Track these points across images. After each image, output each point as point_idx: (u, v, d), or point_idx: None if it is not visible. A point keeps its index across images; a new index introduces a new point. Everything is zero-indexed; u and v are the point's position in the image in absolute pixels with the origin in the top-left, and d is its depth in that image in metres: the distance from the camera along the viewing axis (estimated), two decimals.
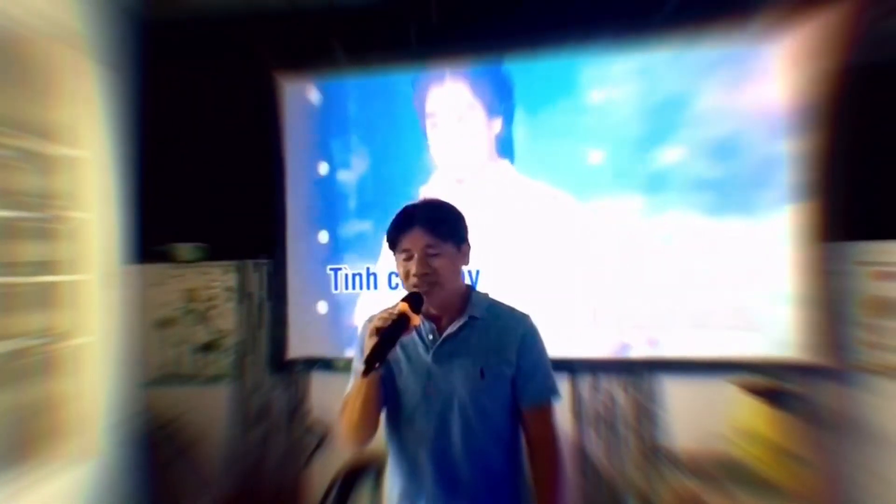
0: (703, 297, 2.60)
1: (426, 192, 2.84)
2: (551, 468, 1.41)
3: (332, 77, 2.99)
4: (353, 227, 2.94)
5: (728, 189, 2.58)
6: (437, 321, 1.42)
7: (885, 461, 2.33)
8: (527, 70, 2.79)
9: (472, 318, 1.41)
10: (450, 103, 2.85)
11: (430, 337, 1.41)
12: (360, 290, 2.92)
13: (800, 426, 2.42)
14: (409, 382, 1.41)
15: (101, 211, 2.20)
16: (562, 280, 2.72)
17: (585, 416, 2.73)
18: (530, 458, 1.42)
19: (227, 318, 3.07)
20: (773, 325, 2.52)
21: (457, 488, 1.37)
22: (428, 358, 1.40)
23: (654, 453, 2.66)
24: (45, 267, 2.03)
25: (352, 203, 2.95)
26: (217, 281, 3.08)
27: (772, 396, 2.42)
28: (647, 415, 2.68)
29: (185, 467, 2.87)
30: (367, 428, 1.38)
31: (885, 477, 2.33)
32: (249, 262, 3.08)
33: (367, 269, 2.91)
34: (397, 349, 1.38)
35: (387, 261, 2.78)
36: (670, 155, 2.63)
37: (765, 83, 2.54)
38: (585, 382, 2.74)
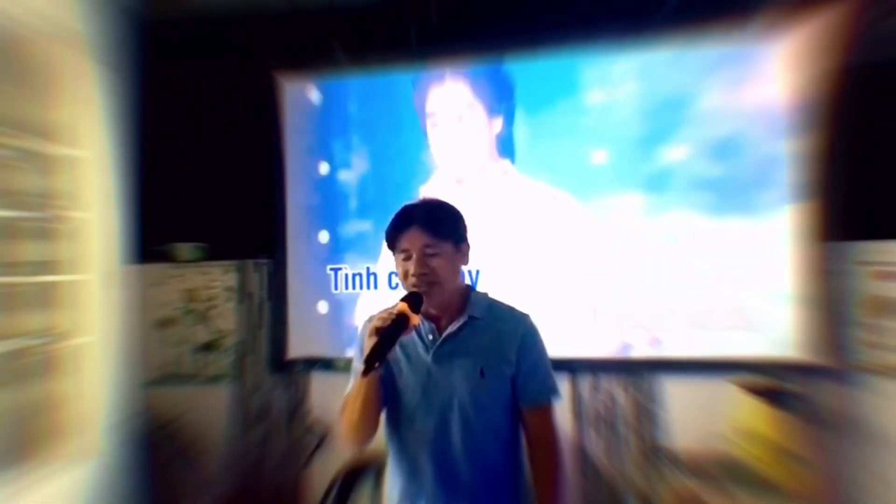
0: (704, 297, 2.60)
1: (426, 191, 2.84)
2: (551, 467, 1.41)
3: (333, 77, 2.99)
4: (354, 226, 2.94)
5: (728, 189, 2.57)
6: (436, 321, 1.42)
7: (886, 461, 2.33)
8: (527, 70, 2.79)
9: (471, 317, 1.41)
10: (450, 103, 2.85)
11: (430, 337, 1.41)
12: (361, 290, 2.92)
13: (800, 426, 2.42)
14: (409, 382, 1.41)
15: (102, 211, 2.20)
16: (562, 280, 2.72)
17: (585, 415, 2.73)
18: (530, 457, 1.42)
19: (227, 318, 3.07)
20: (773, 324, 2.52)
21: (457, 488, 1.37)
22: (428, 358, 1.40)
23: (655, 453, 2.66)
24: (45, 267, 2.03)
25: (352, 203, 2.95)
26: (217, 281, 3.08)
27: (772, 396, 2.42)
28: (647, 414, 2.68)
29: (185, 467, 2.87)
30: (367, 428, 1.38)
31: (885, 477, 2.33)
32: (249, 262, 3.08)
33: (367, 268, 2.91)
34: (397, 349, 1.38)
35: (387, 261, 2.78)
36: (671, 155, 2.63)
37: (765, 83, 2.54)
38: (585, 382, 2.74)
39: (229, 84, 2.99)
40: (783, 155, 2.52)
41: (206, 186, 2.96)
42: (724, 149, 2.57)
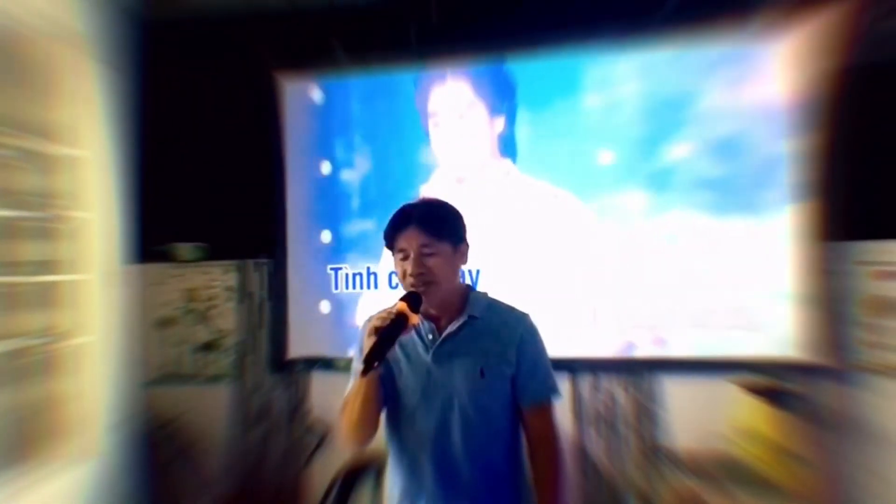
0: (704, 297, 2.60)
1: (428, 190, 2.84)
2: (552, 467, 1.40)
3: (333, 77, 2.99)
4: (356, 226, 2.94)
5: (728, 188, 2.57)
6: (436, 321, 1.42)
7: (886, 461, 2.33)
8: (529, 69, 2.79)
9: (471, 317, 1.41)
10: (451, 102, 2.85)
11: (430, 337, 1.41)
12: (361, 290, 2.92)
13: (800, 426, 2.42)
14: (409, 382, 1.41)
15: (102, 210, 2.20)
16: (563, 279, 2.72)
17: (586, 415, 2.73)
18: (531, 457, 1.42)
19: (227, 318, 3.07)
20: (773, 324, 2.52)
21: (457, 487, 1.37)
22: (428, 358, 1.40)
23: (655, 453, 2.66)
24: (45, 266, 2.03)
25: (354, 202, 2.95)
26: (217, 281, 3.08)
27: (772, 396, 2.42)
28: (647, 414, 2.68)
29: (185, 467, 2.87)
30: (367, 428, 1.38)
31: (885, 476, 2.33)
32: (250, 262, 3.08)
33: (368, 268, 2.91)
34: (397, 349, 1.38)
35: (388, 260, 2.78)
36: (672, 154, 2.63)
37: (765, 83, 2.54)
38: (586, 382, 2.74)
39: (229, 84, 2.99)
40: (783, 155, 2.52)
41: (207, 186, 2.96)
42: (725, 148, 2.57)
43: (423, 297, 1.34)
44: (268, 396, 3.03)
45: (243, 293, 3.07)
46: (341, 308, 2.95)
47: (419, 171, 2.87)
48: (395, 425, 1.43)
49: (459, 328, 1.40)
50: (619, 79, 2.67)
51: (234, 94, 2.99)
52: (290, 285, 3.01)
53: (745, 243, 2.56)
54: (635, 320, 2.66)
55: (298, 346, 3.00)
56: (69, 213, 2.11)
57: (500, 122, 2.80)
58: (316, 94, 3.00)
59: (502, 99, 2.80)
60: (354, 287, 2.92)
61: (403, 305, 1.29)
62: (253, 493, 2.96)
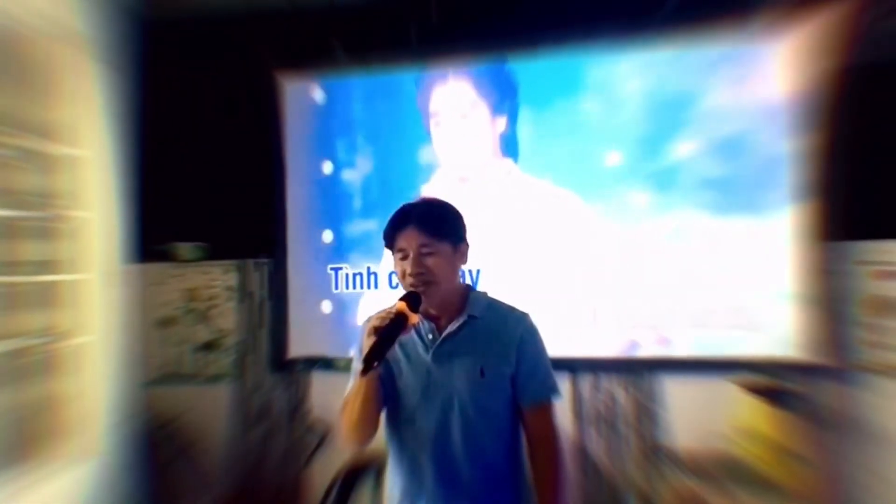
0: (704, 297, 2.60)
1: (430, 190, 2.84)
2: (552, 467, 1.40)
3: (334, 76, 2.99)
4: (357, 226, 2.94)
5: (729, 188, 2.57)
6: (436, 321, 1.42)
7: (886, 460, 2.33)
8: (531, 69, 2.79)
9: (471, 317, 1.41)
10: (453, 101, 2.85)
11: (430, 336, 1.41)
12: (362, 290, 2.92)
13: (801, 425, 2.42)
14: (409, 382, 1.41)
15: (102, 210, 2.20)
16: (565, 279, 2.72)
17: (586, 415, 2.73)
18: (531, 456, 1.42)
19: (227, 318, 3.07)
20: (773, 324, 2.52)
21: (457, 487, 1.37)
22: (428, 357, 1.40)
23: (655, 452, 2.66)
24: (45, 266, 2.03)
25: (355, 202, 2.95)
26: (218, 280, 3.08)
27: (772, 396, 2.42)
28: (647, 414, 2.68)
29: (185, 467, 2.87)
30: (367, 427, 1.38)
31: (885, 476, 2.33)
32: (250, 262, 3.08)
33: (368, 268, 2.91)
34: (397, 349, 1.38)
35: (390, 260, 2.78)
36: (673, 154, 2.63)
37: (765, 83, 2.54)
38: (586, 381, 2.74)
39: (229, 84, 2.99)
40: (784, 154, 2.52)
41: (207, 186, 2.95)
42: (725, 148, 2.57)
43: (423, 297, 1.34)
44: (268, 396, 3.03)
45: (243, 293, 3.07)
46: (342, 308, 2.95)
47: (421, 171, 2.87)
48: (395, 425, 1.43)
49: (459, 328, 1.40)
50: (619, 78, 2.67)
51: (234, 94, 2.99)
52: (290, 285, 3.01)
53: (746, 243, 2.56)
54: (635, 320, 2.66)
55: (299, 345, 3.00)
56: (69, 213, 2.11)
57: (501, 122, 2.80)
58: (317, 94, 3.00)
59: (504, 98, 2.80)
60: (355, 287, 2.92)
61: (403, 305, 1.29)
62: (253, 493, 2.96)
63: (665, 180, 2.64)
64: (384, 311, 1.31)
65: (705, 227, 2.59)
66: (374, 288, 2.90)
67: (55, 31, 2.01)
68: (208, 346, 3.06)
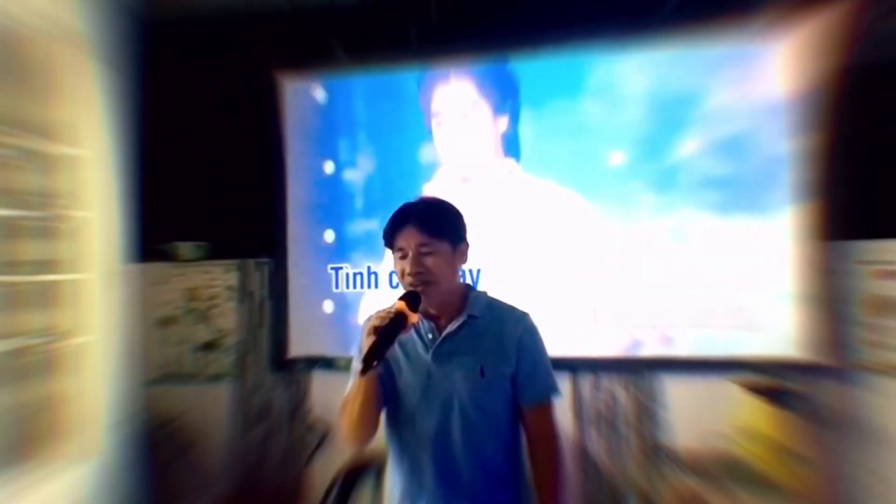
0: (704, 296, 2.59)
1: (431, 190, 2.84)
2: (552, 466, 1.40)
3: (334, 76, 2.99)
4: (359, 226, 2.94)
5: (730, 188, 2.57)
6: (436, 320, 1.42)
7: (887, 460, 2.33)
8: (532, 68, 2.78)
9: (471, 316, 1.41)
10: (455, 101, 2.85)
11: (430, 336, 1.41)
12: (362, 289, 2.92)
13: (801, 425, 2.41)
14: (409, 382, 1.41)
15: (103, 210, 2.20)
16: (566, 278, 2.71)
17: (586, 414, 2.73)
18: (531, 456, 1.42)
19: (228, 317, 3.07)
20: (774, 323, 2.52)
21: (457, 487, 1.37)
22: (428, 357, 1.40)
23: (655, 452, 2.66)
24: (46, 266, 2.03)
25: (357, 202, 2.95)
26: (218, 280, 3.08)
27: (773, 395, 2.42)
28: (648, 413, 2.68)
29: (186, 467, 2.87)
30: (367, 427, 1.38)
31: (886, 476, 2.33)
32: (250, 261, 3.08)
33: (368, 268, 2.91)
34: (396, 348, 1.38)
35: (391, 260, 2.78)
36: (674, 153, 2.63)
37: (766, 82, 2.54)
38: (586, 381, 2.74)
39: (229, 84, 2.99)
40: (784, 154, 2.52)
41: (207, 185, 2.96)
42: (726, 148, 2.57)
43: (422, 297, 1.34)
44: (268, 396, 3.03)
45: (244, 292, 3.07)
46: (342, 307, 2.95)
47: (423, 171, 2.87)
48: (395, 425, 1.43)
49: (459, 328, 1.40)
50: (621, 78, 2.67)
51: (235, 94, 2.99)
52: (291, 284, 3.01)
53: (746, 243, 2.55)
54: (636, 319, 2.65)
55: (299, 345, 3.00)
56: (70, 213, 2.11)
57: (503, 122, 2.80)
58: (319, 94, 3.00)
59: (506, 98, 2.80)
60: (355, 286, 2.92)
61: (402, 305, 1.29)
62: (253, 493, 2.96)
63: (665, 180, 2.63)
64: (384, 310, 1.31)
65: (705, 227, 2.59)
66: (374, 287, 2.90)
67: (55, 31, 2.01)
68: (208, 346, 3.07)
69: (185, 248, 3.07)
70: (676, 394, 2.64)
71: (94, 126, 2.18)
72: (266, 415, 3.03)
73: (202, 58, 2.99)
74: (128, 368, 2.28)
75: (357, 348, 1.47)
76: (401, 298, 1.32)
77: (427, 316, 1.41)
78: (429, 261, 1.35)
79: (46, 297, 2.03)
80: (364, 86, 2.97)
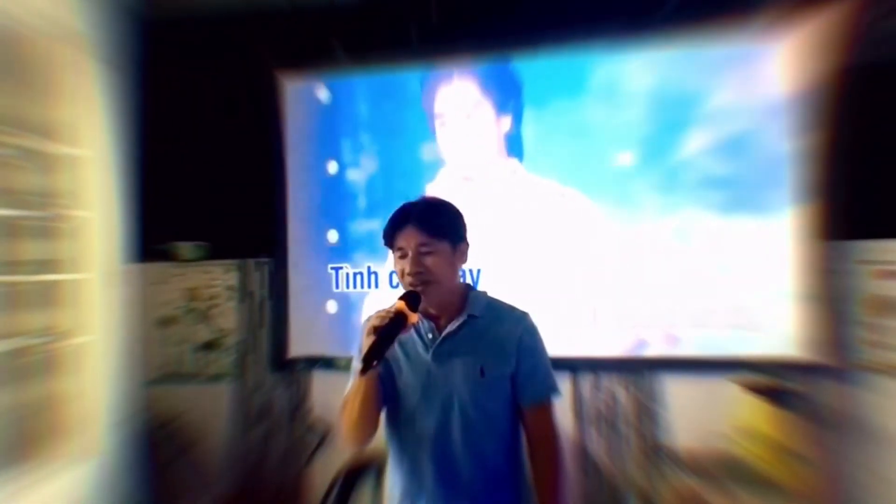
0: (705, 296, 2.59)
1: (434, 189, 2.84)
2: (552, 466, 1.40)
3: (334, 76, 2.99)
4: (361, 225, 2.94)
5: (730, 188, 2.57)
6: (436, 320, 1.42)
7: (887, 460, 2.33)
8: (535, 68, 2.78)
9: (471, 316, 1.41)
10: (458, 101, 2.84)
11: (430, 336, 1.41)
12: (363, 289, 2.92)
13: (801, 425, 2.41)
14: (409, 381, 1.41)
15: (103, 209, 2.20)
16: (569, 278, 2.71)
17: (586, 414, 2.73)
18: (531, 456, 1.42)
19: (228, 317, 3.07)
20: (774, 323, 2.52)
21: (457, 487, 1.37)
22: (427, 357, 1.40)
23: (656, 452, 2.66)
24: (46, 266, 2.03)
25: (360, 202, 2.95)
26: (218, 280, 3.08)
27: (773, 395, 2.42)
28: (648, 413, 2.68)
29: (186, 467, 2.87)
30: (366, 427, 1.38)
31: (886, 476, 2.33)
32: (251, 261, 3.08)
33: (369, 267, 2.91)
34: (396, 348, 1.38)
35: (392, 259, 2.78)
36: (676, 153, 2.63)
37: (766, 82, 2.54)
38: (586, 381, 2.74)
39: (230, 84, 2.99)
40: (785, 154, 2.52)
41: (207, 185, 2.96)
42: (727, 148, 2.57)
43: (422, 296, 1.34)
44: (268, 396, 3.03)
45: (244, 292, 3.07)
46: (342, 307, 2.95)
47: (425, 171, 2.87)
48: (395, 425, 1.43)
49: (459, 327, 1.40)
50: (622, 78, 2.67)
51: (235, 94, 2.99)
52: (291, 284, 3.01)
53: (747, 242, 2.55)
54: (637, 319, 2.65)
55: (299, 345, 3.00)
56: (70, 213, 2.11)
57: (506, 121, 2.80)
58: (321, 94, 2.99)
59: (508, 98, 2.80)
60: (356, 286, 2.92)
61: (402, 304, 1.29)
62: (253, 493, 2.96)
63: (667, 180, 2.63)
64: (383, 310, 1.31)
65: (706, 227, 2.59)
66: (374, 287, 2.90)
67: (55, 31, 2.01)
68: (209, 346, 3.07)
69: (185, 248, 3.07)
70: (677, 394, 2.64)
71: (95, 126, 2.18)
72: (266, 415, 3.03)
73: (202, 58, 2.99)
74: (128, 368, 2.28)
75: (357, 348, 1.47)
76: (401, 298, 1.32)
77: (427, 316, 1.41)
78: (429, 260, 1.35)
79: (46, 297, 2.03)
80: (366, 86, 2.97)
